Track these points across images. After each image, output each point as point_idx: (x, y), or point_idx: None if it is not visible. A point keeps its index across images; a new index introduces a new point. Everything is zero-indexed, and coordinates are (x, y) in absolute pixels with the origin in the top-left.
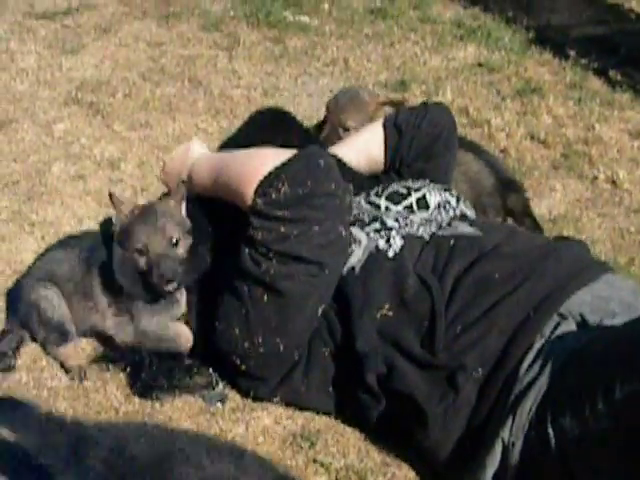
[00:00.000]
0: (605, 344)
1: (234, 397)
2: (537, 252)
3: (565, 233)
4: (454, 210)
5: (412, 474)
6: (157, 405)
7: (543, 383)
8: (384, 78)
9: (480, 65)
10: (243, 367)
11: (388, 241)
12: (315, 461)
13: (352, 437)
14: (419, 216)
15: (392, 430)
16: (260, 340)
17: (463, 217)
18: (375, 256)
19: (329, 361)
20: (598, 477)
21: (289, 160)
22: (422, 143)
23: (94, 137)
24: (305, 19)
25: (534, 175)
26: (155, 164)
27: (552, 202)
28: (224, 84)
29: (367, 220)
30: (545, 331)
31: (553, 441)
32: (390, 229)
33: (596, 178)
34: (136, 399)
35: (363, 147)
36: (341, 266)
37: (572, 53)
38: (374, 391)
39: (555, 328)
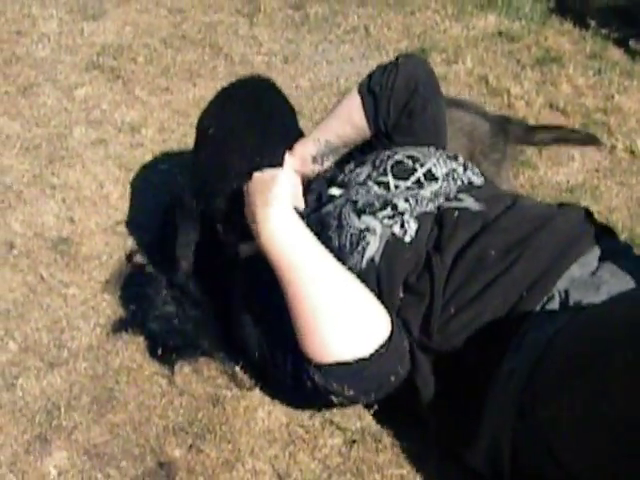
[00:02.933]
0: (574, 334)
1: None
2: (533, 224)
3: (582, 202)
4: (461, 179)
5: (428, 436)
6: (177, 367)
7: (523, 372)
8: (404, 46)
9: (500, 34)
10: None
11: (403, 226)
12: (331, 423)
13: None
14: (429, 190)
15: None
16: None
17: (470, 186)
18: (392, 243)
19: None
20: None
21: (366, 360)
22: (399, 101)
23: (115, 102)
24: None
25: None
26: (176, 129)
27: (570, 171)
28: (245, 50)
29: (378, 206)
30: (532, 314)
31: (537, 431)
32: (402, 213)
33: (614, 147)
34: (156, 362)
35: (346, 116)
36: None
37: (592, 23)
38: None
39: (541, 309)
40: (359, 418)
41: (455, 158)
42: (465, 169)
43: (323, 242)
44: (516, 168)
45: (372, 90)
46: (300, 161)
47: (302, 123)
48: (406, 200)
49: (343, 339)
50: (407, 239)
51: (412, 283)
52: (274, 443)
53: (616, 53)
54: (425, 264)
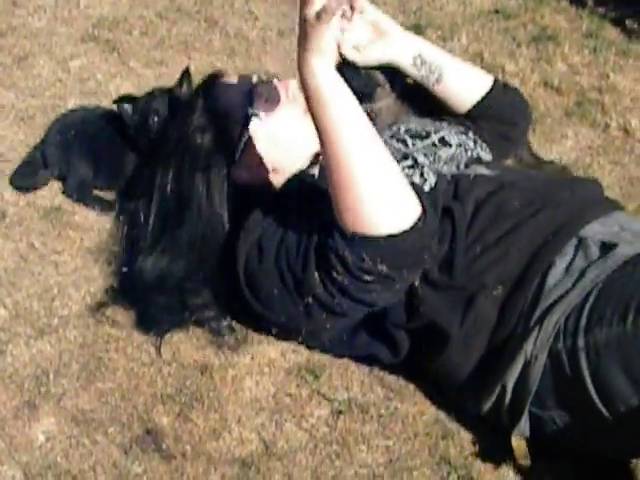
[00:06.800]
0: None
1: (241, 329)
2: (553, 185)
3: None
4: (471, 151)
5: (414, 409)
6: (167, 337)
7: (575, 296)
8: (400, 22)
9: (497, 12)
10: (274, 331)
11: (422, 176)
12: (319, 393)
13: (356, 371)
14: (444, 152)
15: (408, 362)
16: (304, 336)
17: (479, 160)
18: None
19: None
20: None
21: (399, 236)
22: (505, 119)
23: (110, 73)
24: None
25: (546, 122)
26: None
27: (563, 149)
28: (240, 24)
29: (398, 157)
30: (567, 250)
31: (583, 352)
32: (422, 165)
33: (608, 126)
34: (146, 329)
35: (468, 81)
36: None
37: (589, 1)
38: (398, 326)
39: (578, 249)
40: (346, 389)
41: (466, 133)
42: (475, 143)
43: None
44: None
45: (506, 87)
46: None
47: None
48: (425, 155)
49: (383, 211)
50: (426, 188)
51: None
52: (261, 412)
53: (612, 32)
54: (444, 211)
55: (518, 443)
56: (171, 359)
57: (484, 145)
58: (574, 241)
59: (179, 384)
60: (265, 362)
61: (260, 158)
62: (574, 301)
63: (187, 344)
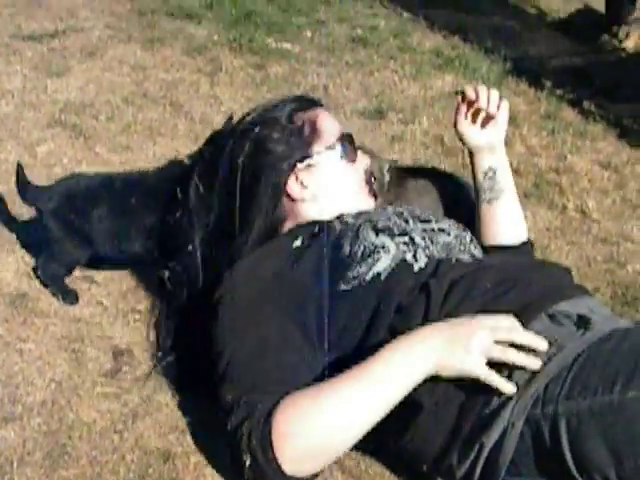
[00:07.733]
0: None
1: (200, 413)
2: (526, 267)
3: None
4: (466, 246)
5: None
6: (129, 422)
7: (554, 366)
8: (362, 106)
9: (457, 94)
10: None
11: (415, 256)
12: None
13: None
14: (442, 239)
15: (376, 439)
16: None
17: (471, 254)
18: (402, 268)
19: None
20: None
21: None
22: None
23: (76, 159)
24: (287, 46)
25: None
26: None
27: None
28: (205, 109)
29: (396, 232)
30: (535, 326)
31: (564, 419)
32: (418, 246)
33: (565, 207)
34: (109, 416)
35: (507, 225)
36: None
37: (548, 84)
38: None
39: (552, 322)
40: None
41: (465, 231)
42: (471, 241)
43: (334, 248)
44: None
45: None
46: None
47: None
48: (423, 238)
49: (303, 450)
50: (415, 269)
51: (406, 305)
52: None
53: (570, 113)
54: (422, 287)
55: None
56: (134, 446)
57: (479, 246)
58: (543, 317)
59: (142, 471)
60: (227, 448)
61: (316, 182)
62: (553, 371)
63: (150, 431)
